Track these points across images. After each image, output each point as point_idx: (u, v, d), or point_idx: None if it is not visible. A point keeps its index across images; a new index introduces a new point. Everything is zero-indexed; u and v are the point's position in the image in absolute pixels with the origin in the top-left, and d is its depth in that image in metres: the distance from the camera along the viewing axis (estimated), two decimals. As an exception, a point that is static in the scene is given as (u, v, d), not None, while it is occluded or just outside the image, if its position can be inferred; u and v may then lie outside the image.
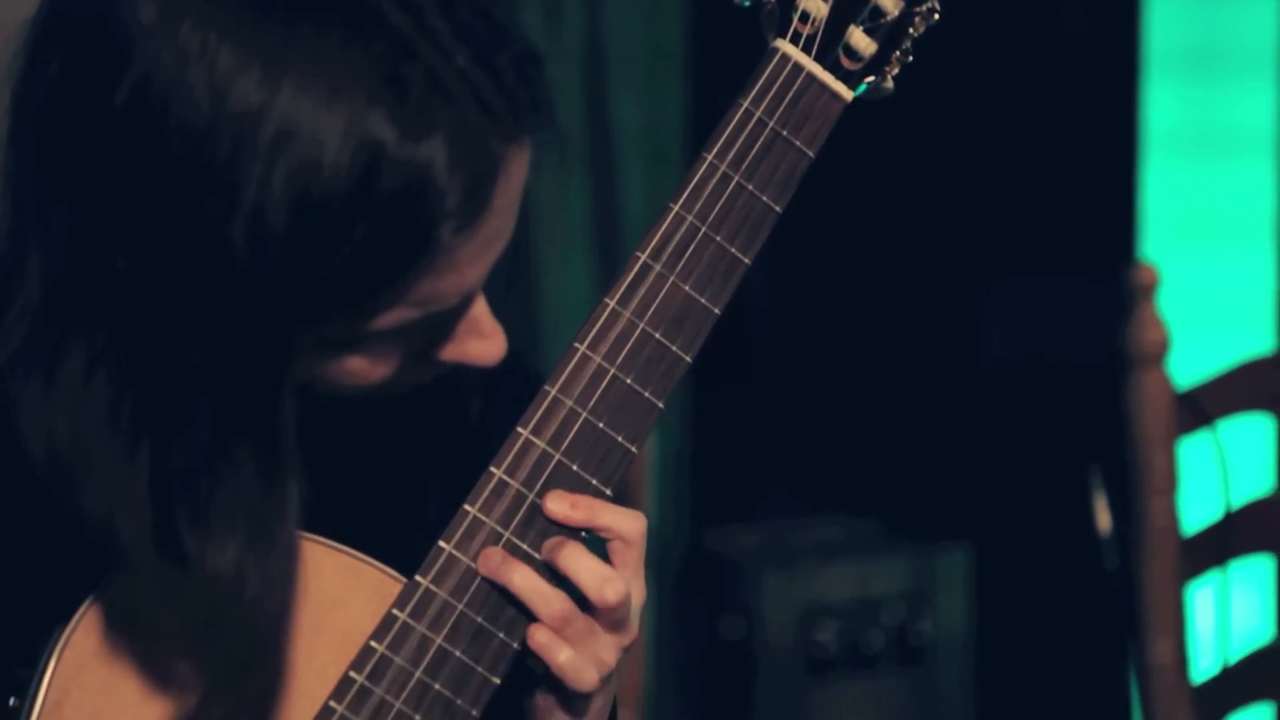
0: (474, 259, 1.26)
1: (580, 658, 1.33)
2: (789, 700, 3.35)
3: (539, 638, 1.33)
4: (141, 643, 1.28)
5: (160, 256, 1.20)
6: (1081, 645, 3.49)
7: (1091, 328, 3.30)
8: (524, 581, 1.33)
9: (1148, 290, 2.25)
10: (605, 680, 1.35)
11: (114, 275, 1.21)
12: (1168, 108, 3.36)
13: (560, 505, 1.34)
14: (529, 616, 1.34)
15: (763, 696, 3.33)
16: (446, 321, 1.29)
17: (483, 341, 1.31)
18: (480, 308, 1.30)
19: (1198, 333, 3.07)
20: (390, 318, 1.25)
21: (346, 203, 1.19)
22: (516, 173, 1.26)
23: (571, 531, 1.34)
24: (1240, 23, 3.32)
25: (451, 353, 1.31)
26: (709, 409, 3.22)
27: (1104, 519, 2.36)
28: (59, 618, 1.27)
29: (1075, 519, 3.27)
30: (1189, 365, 2.36)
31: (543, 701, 1.35)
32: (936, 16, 1.41)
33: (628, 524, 1.34)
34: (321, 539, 1.32)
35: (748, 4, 1.39)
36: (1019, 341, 3.50)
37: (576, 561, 1.33)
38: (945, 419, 3.51)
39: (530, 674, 1.35)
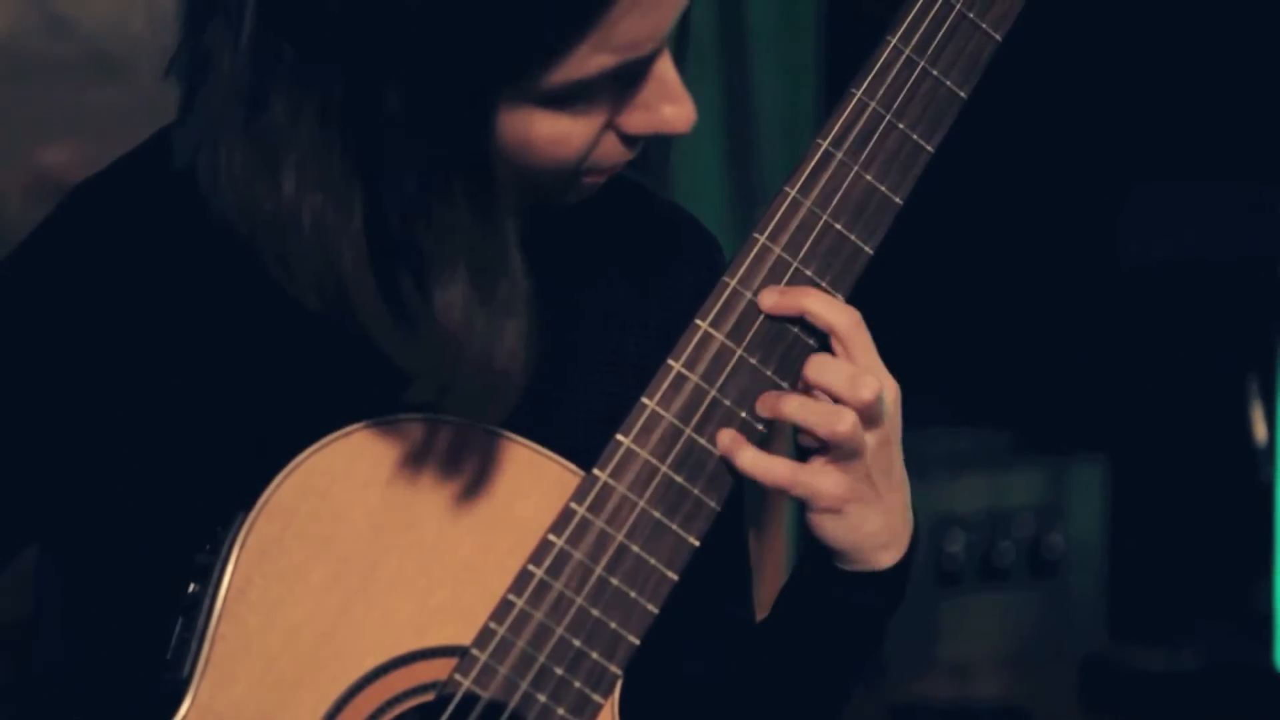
0: None
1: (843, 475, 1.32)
2: (918, 612, 3.32)
3: (746, 460, 1.30)
4: (326, 531, 1.26)
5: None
6: (1221, 560, 3.44)
7: (1244, 233, 3.24)
8: (800, 407, 1.30)
9: (1313, 193, 2.19)
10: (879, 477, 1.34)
11: (305, 20, 1.20)
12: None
13: (770, 295, 1.31)
14: (706, 512, 1.31)
15: (893, 608, 3.31)
16: (637, 79, 1.26)
17: (675, 106, 1.27)
18: (668, 69, 1.27)
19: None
20: (590, 63, 1.22)
21: None
22: None
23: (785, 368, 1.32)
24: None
25: (644, 121, 1.27)
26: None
27: (1260, 429, 2.31)
28: (241, 503, 1.25)
29: (1214, 428, 3.22)
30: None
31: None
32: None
33: (839, 315, 1.32)
34: (500, 430, 1.29)
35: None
36: (1159, 248, 3.44)
37: (823, 369, 1.31)
38: (1080, 327, 3.46)
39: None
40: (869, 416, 1.31)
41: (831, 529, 1.34)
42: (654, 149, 1.35)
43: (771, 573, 2.73)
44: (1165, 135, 3.41)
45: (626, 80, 1.25)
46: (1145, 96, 3.41)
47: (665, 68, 1.26)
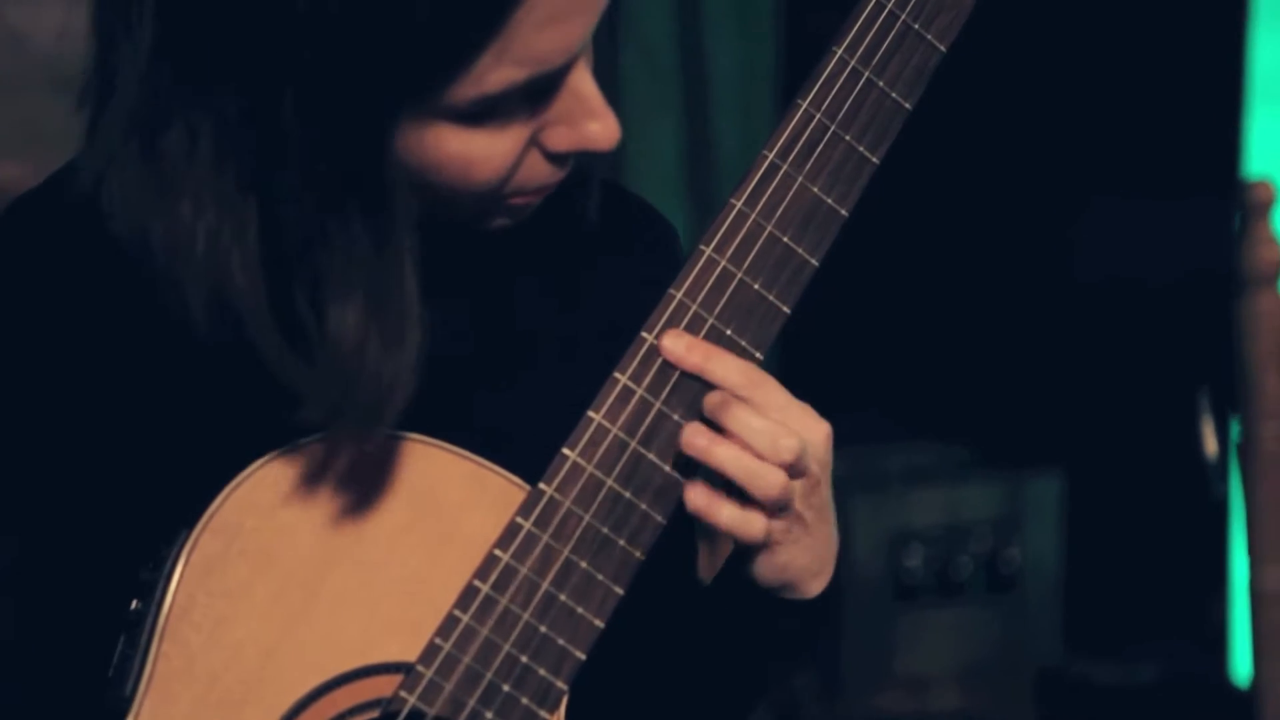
0: (573, 8, 1.21)
1: (764, 518, 1.30)
2: (875, 626, 3.33)
3: (725, 517, 1.29)
4: (270, 547, 1.25)
5: (243, 18, 1.17)
6: (1176, 574, 3.45)
7: (1195, 249, 3.25)
8: (734, 460, 1.28)
9: (1263, 208, 2.20)
10: (811, 521, 1.32)
11: (201, 37, 1.19)
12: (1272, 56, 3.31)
13: (677, 344, 1.29)
14: (652, 526, 1.30)
15: (850, 622, 3.31)
16: (550, 94, 1.25)
17: (599, 122, 1.25)
18: (589, 84, 1.25)
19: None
20: (495, 78, 1.20)
21: None
22: None
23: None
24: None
25: (567, 138, 1.26)
26: (794, 330, 3.18)
27: (1211, 443, 2.31)
28: (184, 521, 1.24)
29: (1170, 442, 3.23)
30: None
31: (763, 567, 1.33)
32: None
33: (737, 376, 1.29)
34: (445, 445, 1.28)
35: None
36: (1114, 264, 3.45)
37: (745, 423, 1.29)
38: (1036, 342, 3.46)
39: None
40: (794, 473, 1.30)
41: (761, 566, 1.34)
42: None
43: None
44: (1120, 151, 3.42)
45: (540, 96, 1.24)
46: (1100, 112, 3.42)
47: (582, 82, 1.25)
